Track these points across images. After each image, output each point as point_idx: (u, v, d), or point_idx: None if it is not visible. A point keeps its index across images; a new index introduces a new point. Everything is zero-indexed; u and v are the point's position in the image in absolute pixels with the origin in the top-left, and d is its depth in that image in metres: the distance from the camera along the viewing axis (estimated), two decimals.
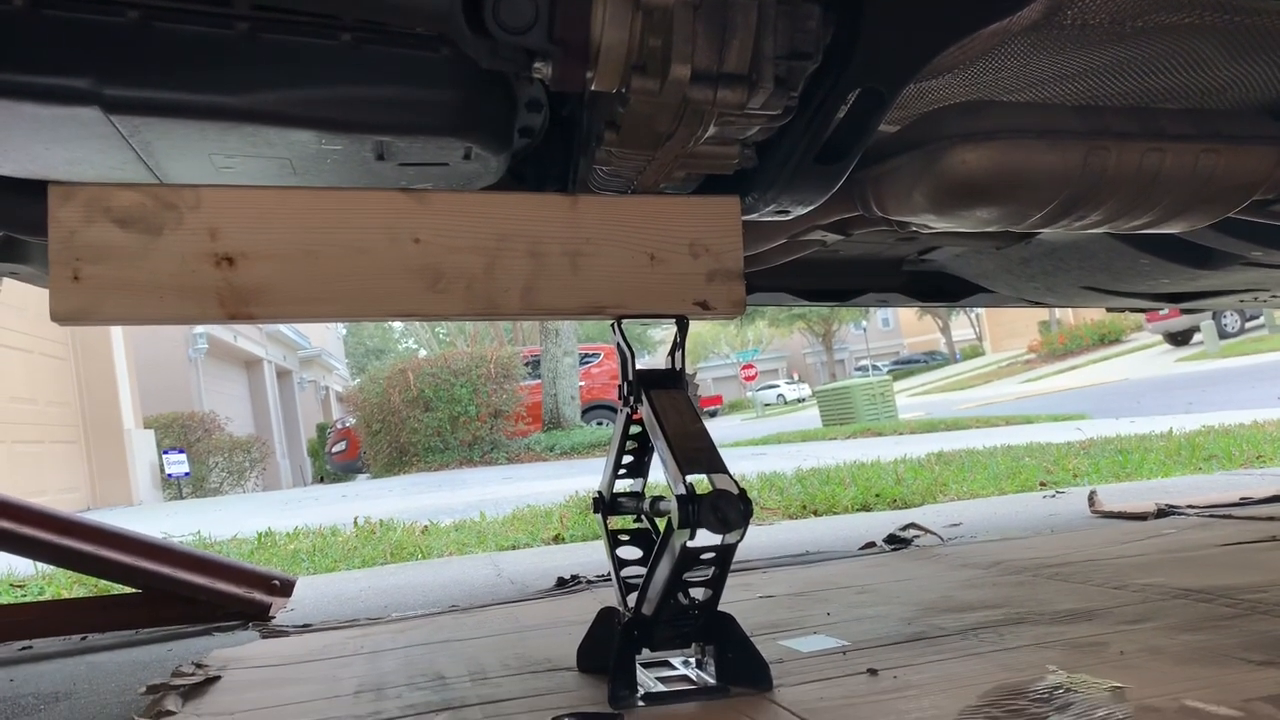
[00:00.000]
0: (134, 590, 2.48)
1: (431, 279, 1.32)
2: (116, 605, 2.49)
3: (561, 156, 1.55)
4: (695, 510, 1.20)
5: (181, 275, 1.28)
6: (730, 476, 1.25)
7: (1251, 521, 2.59)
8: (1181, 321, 21.29)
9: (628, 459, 1.55)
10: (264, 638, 2.18)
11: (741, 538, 1.25)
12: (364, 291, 1.30)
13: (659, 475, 1.36)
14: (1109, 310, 3.20)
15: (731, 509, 1.21)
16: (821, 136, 1.36)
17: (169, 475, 15.48)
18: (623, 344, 1.43)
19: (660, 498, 1.38)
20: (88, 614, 2.48)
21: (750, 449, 11.09)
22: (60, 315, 1.27)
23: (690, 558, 1.26)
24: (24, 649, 2.36)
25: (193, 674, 1.74)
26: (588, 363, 18.16)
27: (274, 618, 2.44)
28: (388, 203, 1.34)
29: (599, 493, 1.56)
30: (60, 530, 2.51)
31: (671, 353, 1.45)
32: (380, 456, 15.29)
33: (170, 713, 1.49)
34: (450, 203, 1.36)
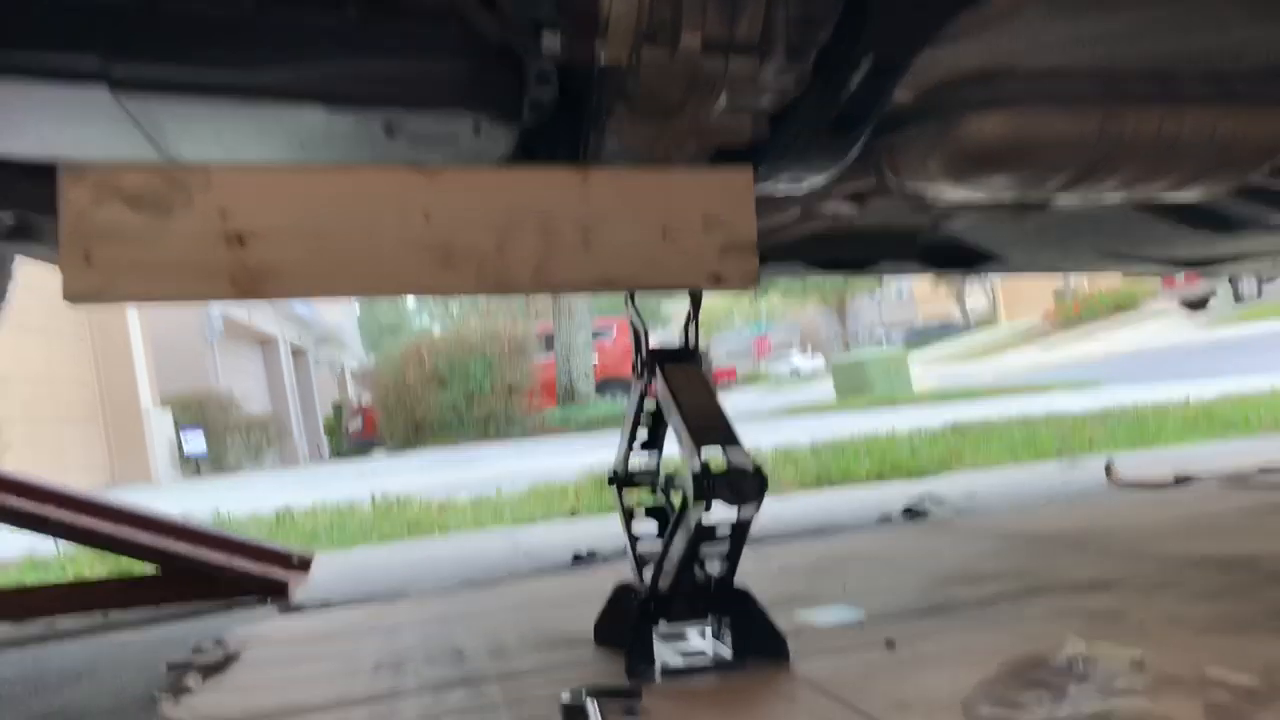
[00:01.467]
0: (154, 569, 2.50)
1: (442, 255, 1.31)
2: (137, 584, 2.51)
3: (572, 130, 1.53)
4: (710, 485, 1.20)
5: (193, 254, 1.28)
6: (745, 451, 1.24)
7: (1271, 490, 2.58)
8: (1198, 288, 21.10)
9: (642, 434, 1.55)
10: (283, 615, 2.20)
11: (757, 512, 1.24)
12: (375, 268, 1.29)
13: (675, 449, 1.36)
14: (1125, 276, 3.18)
15: (746, 484, 1.20)
16: (835, 106, 1.34)
17: (187, 454, 15.58)
18: (636, 319, 1.42)
19: (675, 473, 1.38)
20: (109, 593, 2.50)
21: (765, 422, 11.10)
22: (73, 295, 1.27)
23: (706, 532, 1.26)
24: (48, 627, 2.38)
25: (213, 652, 1.75)
26: (601, 337, 18.17)
27: (293, 595, 2.46)
28: (397, 179, 1.33)
29: (614, 468, 1.56)
30: (81, 510, 2.53)
31: (685, 327, 1.45)
32: (396, 433, 15.36)
33: (191, 690, 1.51)
34: (460, 178, 1.35)
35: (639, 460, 1.57)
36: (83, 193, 1.26)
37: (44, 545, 3.60)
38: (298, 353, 26.31)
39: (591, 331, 16.80)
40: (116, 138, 1.41)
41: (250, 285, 1.27)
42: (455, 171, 1.36)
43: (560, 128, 1.54)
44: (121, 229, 1.27)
